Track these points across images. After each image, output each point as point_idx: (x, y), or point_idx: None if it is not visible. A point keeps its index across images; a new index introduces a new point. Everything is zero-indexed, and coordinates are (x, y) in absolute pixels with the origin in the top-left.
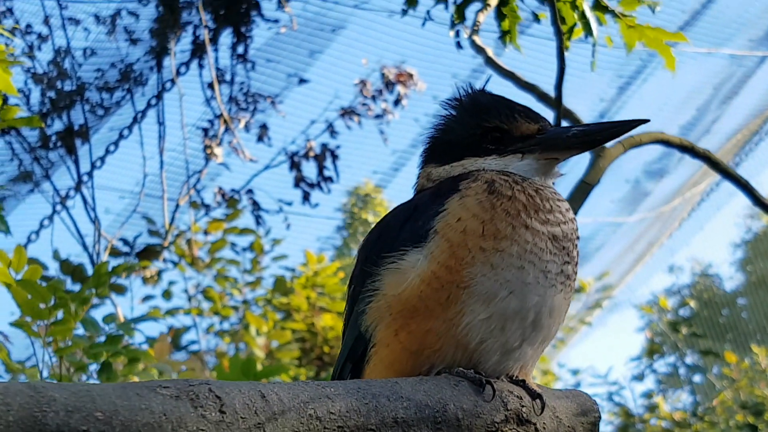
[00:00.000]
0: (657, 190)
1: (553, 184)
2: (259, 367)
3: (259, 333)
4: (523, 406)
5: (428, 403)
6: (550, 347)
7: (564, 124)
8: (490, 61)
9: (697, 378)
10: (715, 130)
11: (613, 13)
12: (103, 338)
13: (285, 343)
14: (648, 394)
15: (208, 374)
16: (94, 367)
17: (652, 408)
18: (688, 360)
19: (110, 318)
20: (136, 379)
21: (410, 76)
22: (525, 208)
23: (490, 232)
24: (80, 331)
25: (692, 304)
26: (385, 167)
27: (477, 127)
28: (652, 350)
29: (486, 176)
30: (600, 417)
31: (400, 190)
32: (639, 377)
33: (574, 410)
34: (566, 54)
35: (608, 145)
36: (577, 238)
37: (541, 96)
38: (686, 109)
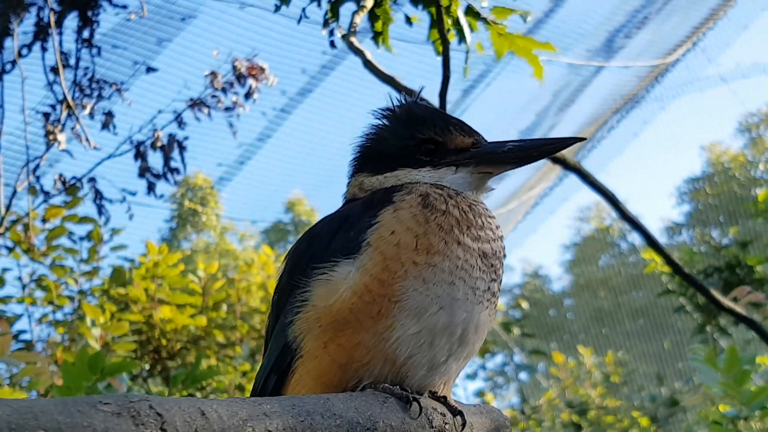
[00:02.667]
0: (495, 192)
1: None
2: None
3: (95, 324)
4: (446, 423)
5: (359, 420)
6: None
7: None
8: (368, 64)
9: (523, 377)
10: (552, 135)
11: (484, 20)
12: None
13: (121, 335)
14: (480, 392)
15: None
16: None
17: None
18: (517, 359)
19: None
20: None
21: (262, 69)
22: (458, 224)
23: (423, 246)
24: None
25: (523, 304)
26: (230, 159)
27: (411, 138)
28: (484, 349)
29: (420, 189)
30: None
31: (244, 184)
32: (471, 376)
33: (489, 426)
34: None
35: None
36: (504, 256)
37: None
38: (526, 114)
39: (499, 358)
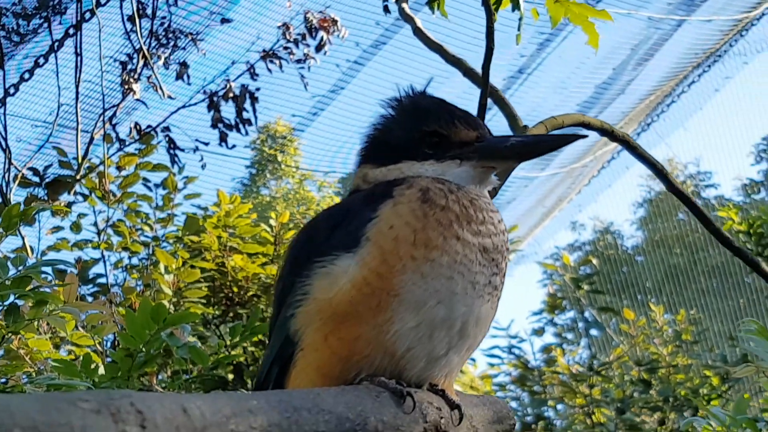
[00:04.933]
0: (569, 147)
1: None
2: (167, 305)
3: (168, 270)
4: (441, 418)
5: (349, 416)
6: None
7: (489, 104)
8: (418, 32)
9: (594, 333)
10: (630, 90)
11: None
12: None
13: (193, 281)
14: (547, 348)
15: (116, 317)
16: None
17: (551, 361)
18: (587, 315)
19: (19, 260)
20: (44, 323)
21: (334, 22)
22: (457, 219)
23: (421, 241)
24: None
25: (594, 261)
26: (303, 111)
27: (416, 131)
28: (554, 305)
29: (421, 183)
30: (515, 424)
31: (318, 135)
32: (539, 332)
33: (490, 418)
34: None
35: (530, 125)
36: (507, 249)
37: (467, 71)
38: (603, 69)
39: (569, 314)
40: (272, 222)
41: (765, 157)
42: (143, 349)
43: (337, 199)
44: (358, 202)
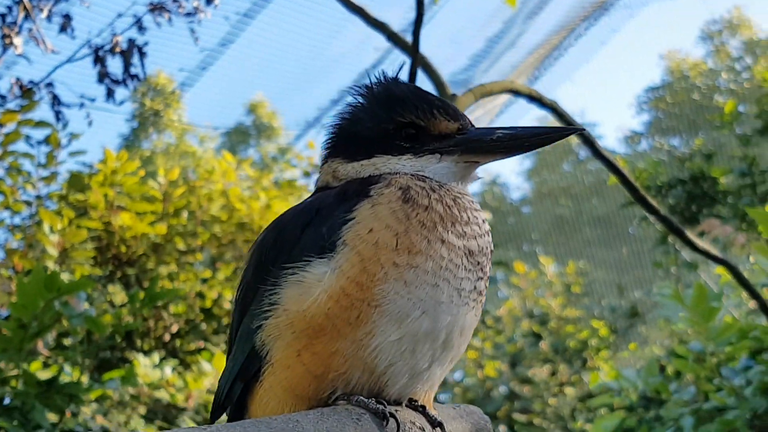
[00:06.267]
0: (459, 101)
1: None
2: (52, 266)
3: (53, 230)
4: None
5: None
6: None
7: (419, 73)
8: None
9: None
10: (520, 44)
11: None
12: None
13: (80, 242)
14: None
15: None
16: None
17: None
18: None
19: None
20: None
21: None
22: (442, 220)
23: (404, 245)
24: None
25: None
26: (192, 65)
27: (390, 121)
28: None
29: (400, 181)
30: None
31: (207, 89)
32: None
33: (470, 430)
34: None
35: (459, 93)
36: (491, 252)
37: (391, 36)
38: (494, 22)
39: None
40: (160, 179)
41: (646, 108)
42: (37, 319)
43: (227, 160)
44: (330, 201)
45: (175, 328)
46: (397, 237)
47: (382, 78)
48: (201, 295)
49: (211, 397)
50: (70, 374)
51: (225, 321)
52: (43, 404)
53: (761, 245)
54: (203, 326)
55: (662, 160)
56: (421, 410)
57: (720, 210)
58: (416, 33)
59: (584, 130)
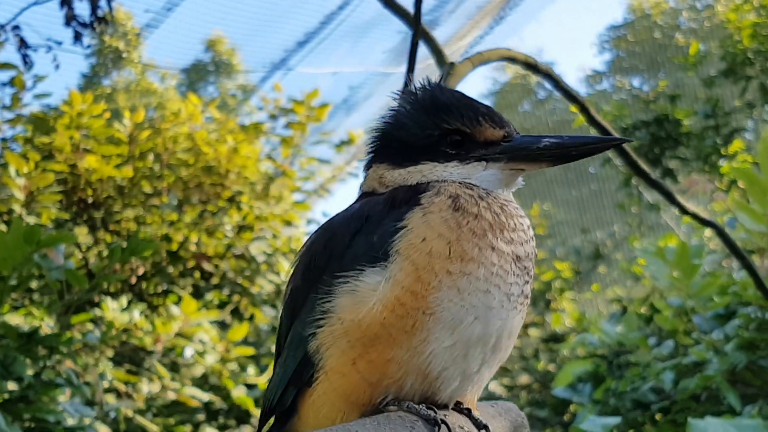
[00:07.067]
0: (422, 45)
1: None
2: (18, 209)
3: (19, 174)
4: None
5: None
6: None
7: (421, 45)
8: None
9: None
10: None
11: None
12: None
13: (46, 185)
14: None
15: None
16: None
17: None
18: None
19: None
20: None
21: None
22: (491, 228)
23: (456, 253)
24: None
25: None
26: (158, 7)
27: (435, 128)
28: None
29: (450, 190)
30: (528, 430)
31: (170, 29)
32: None
33: (508, 428)
34: None
35: (457, 61)
36: (536, 256)
37: (389, 2)
38: None
39: None
40: (126, 121)
41: (608, 47)
42: (16, 272)
43: (193, 102)
44: (379, 208)
45: (141, 271)
46: (449, 245)
47: (426, 84)
48: (167, 238)
49: (180, 341)
50: (39, 321)
51: (191, 264)
52: (24, 356)
53: (743, 203)
54: (170, 269)
55: (625, 101)
56: (467, 413)
57: (683, 152)
58: (418, 2)
59: (630, 140)
